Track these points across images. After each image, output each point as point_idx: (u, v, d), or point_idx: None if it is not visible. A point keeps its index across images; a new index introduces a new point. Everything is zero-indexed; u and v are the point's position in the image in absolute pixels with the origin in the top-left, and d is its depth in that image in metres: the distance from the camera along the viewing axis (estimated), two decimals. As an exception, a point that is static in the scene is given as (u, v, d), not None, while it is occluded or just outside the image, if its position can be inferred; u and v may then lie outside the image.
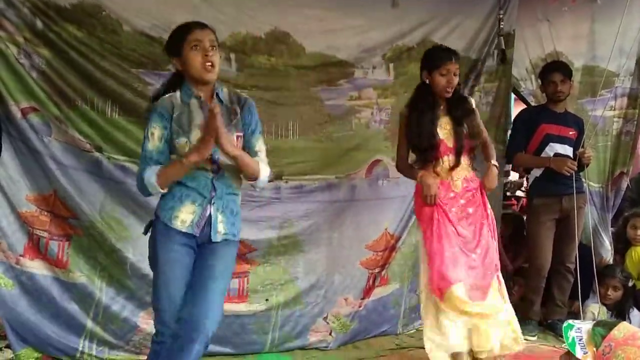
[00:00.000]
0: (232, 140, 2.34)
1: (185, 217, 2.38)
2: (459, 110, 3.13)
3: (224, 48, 3.37)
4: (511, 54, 4.14)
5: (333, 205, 3.71)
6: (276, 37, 3.54)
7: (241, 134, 2.45)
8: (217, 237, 2.42)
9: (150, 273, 3.24)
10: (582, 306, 4.01)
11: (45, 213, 3.20)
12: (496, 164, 3.30)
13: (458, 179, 3.14)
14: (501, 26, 4.03)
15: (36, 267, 3.19)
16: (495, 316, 3.05)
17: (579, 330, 2.12)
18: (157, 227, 2.42)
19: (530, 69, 4.46)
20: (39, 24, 3.10)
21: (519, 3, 4.13)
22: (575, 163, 3.86)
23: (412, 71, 3.86)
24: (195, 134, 2.33)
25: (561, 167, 3.87)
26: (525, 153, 4.09)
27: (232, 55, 3.42)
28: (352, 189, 3.77)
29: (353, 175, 3.76)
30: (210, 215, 2.40)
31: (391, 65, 3.82)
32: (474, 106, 3.24)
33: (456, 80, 3.09)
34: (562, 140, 4.02)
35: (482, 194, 3.22)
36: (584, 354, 2.05)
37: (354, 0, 3.68)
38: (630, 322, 3.88)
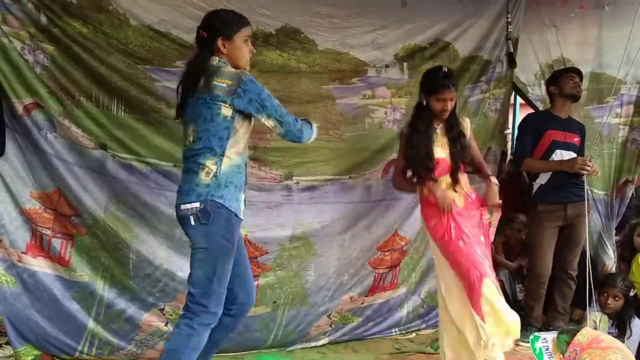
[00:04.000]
0: None
1: (242, 205, 2.58)
2: (454, 131, 3.27)
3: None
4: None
5: (347, 206, 3.68)
6: (286, 33, 3.50)
7: None
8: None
9: (154, 273, 3.31)
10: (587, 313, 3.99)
11: (49, 211, 3.16)
12: (496, 181, 3.36)
13: (460, 195, 3.25)
14: (509, 29, 4.00)
15: (38, 265, 3.15)
16: None
17: (544, 340, 2.21)
18: (228, 217, 2.48)
19: (539, 75, 4.43)
20: (44, 19, 3.03)
21: (526, 9, 4.11)
22: (586, 160, 3.82)
23: (426, 71, 3.88)
24: None
25: (574, 169, 3.84)
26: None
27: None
28: (368, 190, 3.75)
29: (368, 175, 3.74)
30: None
31: (404, 64, 3.78)
32: (467, 128, 3.35)
33: (451, 105, 3.21)
34: (567, 146, 4.00)
35: (481, 212, 3.31)
36: None
37: (365, -2, 3.66)
38: (631, 332, 3.91)
